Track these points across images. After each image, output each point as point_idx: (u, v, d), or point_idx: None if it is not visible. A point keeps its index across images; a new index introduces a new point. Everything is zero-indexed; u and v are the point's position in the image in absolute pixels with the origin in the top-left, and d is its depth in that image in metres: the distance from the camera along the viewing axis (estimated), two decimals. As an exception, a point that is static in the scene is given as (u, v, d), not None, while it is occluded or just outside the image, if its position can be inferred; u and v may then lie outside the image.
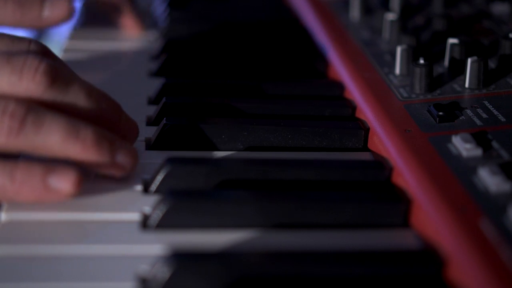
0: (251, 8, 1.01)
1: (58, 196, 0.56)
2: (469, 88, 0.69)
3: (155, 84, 0.76)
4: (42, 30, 0.80)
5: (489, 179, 0.54)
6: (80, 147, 0.56)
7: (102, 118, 0.59)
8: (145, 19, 0.96)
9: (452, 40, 0.73)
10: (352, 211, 0.56)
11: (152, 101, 0.74)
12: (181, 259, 0.49)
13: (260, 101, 0.72)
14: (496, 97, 0.67)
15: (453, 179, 0.55)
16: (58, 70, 0.58)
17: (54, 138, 0.55)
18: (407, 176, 0.58)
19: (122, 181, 0.60)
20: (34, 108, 0.56)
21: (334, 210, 0.56)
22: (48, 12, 0.74)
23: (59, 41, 1.05)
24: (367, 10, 0.89)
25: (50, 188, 0.55)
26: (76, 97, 0.58)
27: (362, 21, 0.87)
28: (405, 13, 0.86)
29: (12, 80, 0.57)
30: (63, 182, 0.55)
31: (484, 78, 0.69)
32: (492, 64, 0.73)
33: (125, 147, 0.58)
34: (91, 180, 0.59)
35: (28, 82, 0.56)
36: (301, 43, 0.89)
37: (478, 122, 0.63)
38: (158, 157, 0.62)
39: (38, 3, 0.75)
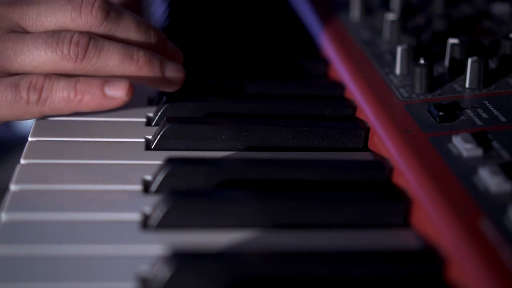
0: (251, 8, 1.01)
1: (114, 102, 0.66)
2: (470, 88, 0.69)
3: (156, 84, 0.76)
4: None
5: (489, 179, 0.54)
6: (135, 67, 0.66)
7: (151, 44, 0.69)
8: (145, 19, 0.96)
9: (452, 40, 0.73)
10: (352, 211, 0.56)
11: (152, 102, 0.74)
12: (181, 259, 0.49)
13: (261, 101, 0.71)
14: (497, 97, 0.67)
15: (454, 179, 0.55)
16: (110, 5, 0.68)
17: (112, 61, 0.66)
18: (407, 176, 0.58)
19: (123, 181, 0.60)
20: (94, 37, 0.66)
21: (335, 210, 0.56)
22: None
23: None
24: (367, 10, 0.89)
25: (107, 96, 0.66)
26: (128, 27, 0.68)
27: (362, 21, 0.87)
28: (406, 13, 0.86)
29: (73, 16, 0.67)
30: (118, 90, 0.66)
31: (485, 78, 0.69)
32: (492, 64, 0.73)
33: (173, 64, 0.68)
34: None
35: (86, 16, 0.67)
36: (301, 43, 0.89)
37: (478, 122, 0.63)
38: (158, 157, 0.62)
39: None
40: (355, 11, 0.89)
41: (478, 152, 0.58)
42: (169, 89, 0.69)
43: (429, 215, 0.54)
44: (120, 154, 0.64)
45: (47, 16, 0.67)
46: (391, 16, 0.81)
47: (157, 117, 0.70)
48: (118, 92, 0.66)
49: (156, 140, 0.65)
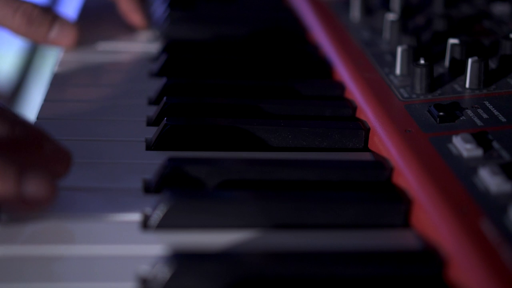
0: (251, 8, 1.01)
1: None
2: (470, 88, 0.69)
3: (156, 84, 0.76)
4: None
5: (489, 179, 0.54)
6: None
7: (15, 145, 0.52)
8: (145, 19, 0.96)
9: (452, 40, 0.73)
10: (352, 211, 0.56)
11: (152, 102, 0.74)
12: (181, 259, 0.49)
13: (261, 101, 0.71)
14: (497, 97, 0.67)
15: (454, 179, 0.55)
16: None
17: None
18: (407, 176, 0.58)
19: (123, 181, 0.60)
20: None
21: (335, 211, 0.56)
22: (54, 35, 0.78)
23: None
24: (367, 10, 0.89)
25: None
26: None
27: (362, 22, 0.87)
28: (406, 13, 0.86)
29: None
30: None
31: (485, 78, 0.69)
32: (492, 64, 0.73)
33: (38, 177, 0.51)
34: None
35: None
36: (301, 43, 0.89)
37: (478, 122, 0.63)
38: (159, 157, 0.62)
39: (47, 25, 0.78)
40: (355, 11, 0.89)
41: (478, 152, 0.58)
42: (25, 210, 0.52)
43: (429, 215, 0.54)
44: (120, 154, 0.64)
45: None
46: (391, 16, 0.81)
47: (157, 117, 0.70)
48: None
49: (157, 140, 0.65)
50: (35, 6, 0.81)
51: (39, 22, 0.79)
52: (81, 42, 0.88)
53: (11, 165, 0.50)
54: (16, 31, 0.80)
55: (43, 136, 0.54)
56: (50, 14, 0.81)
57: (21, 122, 0.53)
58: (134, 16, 0.92)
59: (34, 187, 0.50)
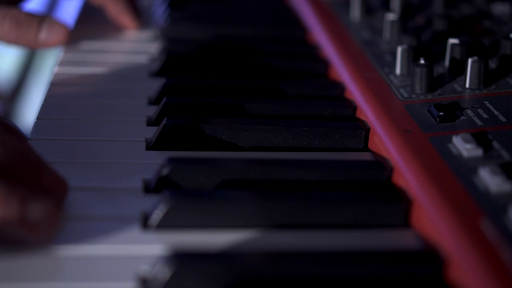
0: (251, 8, 1.01)
1: None
2: (470, 88, 0.69)
3: (156, 84, 0.76)
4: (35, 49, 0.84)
5: (489, 179, 0.54)
6: None
7: (17, 170, 0.52)
8: (145, 19, 0.96)
9: (452, 40, 0.73)
10: (352, 211, 0.56)
11: (152, 102, 0.74)
12: (181, 259, 0.49)
13: (261, 101, 0.71)
14: (497, 97, 0.67)
15: (454, 179, 0.55)
16: None
17: None
18: (407, 176, 0.58)
19: (123, 181, 0.60)
20: None
21: (335, 210, 0.56)
22: (44, 36, 0.79)
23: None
24: (367, 10, 0.89)
25: None
26: None
27: (362, 21, 0.87)
28: (406, 13, 0.86)
29: None
30: None
31: (485, 78, 0.69)
32: (492, 64, 0.73)
33: (41, 204, 0.50)
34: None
35: None
36: (301, 42, 0.89)
37: (478, 122, 0.63)
38: (159, 157, 0.62)
39: (35, 26, 0.80)
40: (355, 11, 0.89)
41: (478, 152, 0.58)
42: (28, 236, 0.51)
43: (429, 215, 0.54)
44: (120, 153, 0.64)
45: None
46: (391, 16, 0.81)
47: (157, 117, 0.70)
48: None
49: (156, 140, 0.65)
50: (21, 11, 0.82)
51: (28, 25, 0.80)
52: (81, 41, 0.88)
53: (15, 190, 0.50)
54: (7, 37, 0.81)
55: (42, 163, 0.54)
56: (37, 16, 0.82)
57: (21, 149, 0.53)
58: (123, 18, 0.92)
59: (37, 212, 0.50)
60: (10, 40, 0.81)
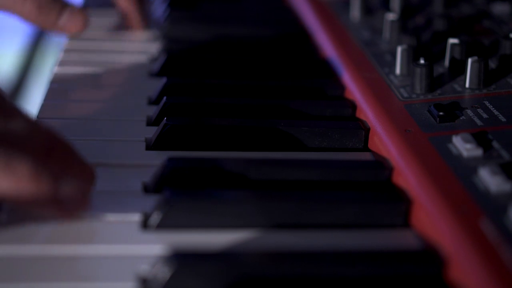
0: (251, 8, 1.01)
1: None
2: (470, 88, 0.69)
3: (156, 84, 0.76)
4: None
5: (489, 179, 0.54)
6: (13, 180, 0.49)
7: (49, 153, 0.53)
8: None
9: (452, 40, 0.73)
10: (352, 211, 0.56)
11: (152, 101, 0.74)
12: (181, 259, 0.49)
13: (260, 101, 0.71)
14: (497, 97, 0.67)
15: (454, 179, 0.55)
16: None
17: None
18: (407, 176, 0.58)
19: (123, 181, 0.60)
20: None
21: (335, 210, 0.56)
22: (64, 21, 0.80)
23: (59, 40, 1.05)
24: (367, 10, 0.89)
25: None
26: (19, 131, 0.52)
27: (362, 21, 0.87)
28: (406, 13, 0.86)
29: None
30: None
31: (485, 78, 0.69)
32: (492, 64, 0.73)
33: (73, 183, 0.52)
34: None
35: None
36: (301, 43, 0.89)
37: (478, 122, 0.63)
38: (158, 157, 0.62)
39: (57, 11, 0.81)
40: (355, 11, 0.89)
41: (478, 152, 0.58)
42: (60, 215, 0.53)
43: (429, 215, 0.54)
44: (120, 153, 0.64)
45: None
46: (391, 16, 0.81)
47: (157, 117, 0.70)
48: None
49: (156, 140, 0.65)
50: None
51: (49, 9, 0.81)
52: (81, 41, 0.88)
53: (47, 168, 0.51)
54: (26, 17, 0.81)
55: (73, 150, 0.55)
56: (59, 1, 0.82)
57: (53, 135, 0.54)
58: (132, 18, 0.92)
59: (69, 191, 0.51)
60: (29, 19, 0.82)
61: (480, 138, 0.59)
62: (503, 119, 0.63)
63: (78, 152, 0.55)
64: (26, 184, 0.49)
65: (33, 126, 0.52)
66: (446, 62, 0.74)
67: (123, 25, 0.94)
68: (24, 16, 0.81)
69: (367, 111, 0.69)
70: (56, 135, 0.54)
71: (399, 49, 0.73)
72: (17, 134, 0.51)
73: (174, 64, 0.80)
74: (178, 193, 0.56)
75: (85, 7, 1.00)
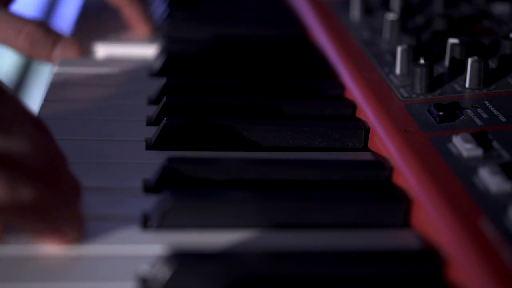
0: (251, 8, 1.01)
1: None
2: (470, 88, 0.69)
3: (156, 84, 0.76)
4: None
5: (489, 179, 0.54)
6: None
7: (43, 172, 0.51)
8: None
9: (452, 40, 0.73)
10: (352, 211, 0.56)
11: (152, 101, 0.74)
12: (181, 259, 0.49)
13: (260, 101, 0.71)
14: (497, 97, 0.67)
15: (454, 179, 0.55)
16: None
17: None
18: (407, 176, 0.58)
19: (123, 181, 0.60)
20: None
21: (335, 210, 0.56)
22: (57, 54, 0.83)
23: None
24: (367, 10, 0.89)
25: None
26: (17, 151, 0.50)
27: (362, 21, 0.87)
28: (406, 13, 0.86)
29: None
30: None
31: (485, 78, 0.69)
32: (492, 64, 0.73)
33: (56, 193, 0.51)
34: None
35: None
36: (301, 43, 0.89)
37: (478, 122, 0.63)
38: (158, 157, 0.62)
39: (50, 45, 0.83)
40: (355, 11, 0.89)
41: (478, 152, 0.58)
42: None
43: (429, 215, 0.54)
44: (120, 153, 0.64)
45: None
46: (391, 16, 0.81)
47: (157, 117, 0.70)
48: None
49: (156, 140, 0.65)
50: (38, 27, 0.82)
51: (43, 43, 0.82)
52: (81, 41, 0.88)
53: (45, 196, 0.50)
54: (20, 51, 0.82)
55: (64, 164, 0.54)
56: (52, 34, 0.83)
57: (49, 148, 0.53)
58: (138, 23, 0.92)
59: (66, 223, 0.52)
60: (23, 53, 0.83)
61: (480, 138, 0.59)
62: (503, 119, 0.63)
63: (68, 165, 0.54)
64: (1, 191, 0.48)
65: (31, 142, 0.51)
66: (446, 62, 0.74)
67: (125, 25, 0.93)
68: (18, 49, 0.82)
69: (367, 111, 0.69)
70: (51, 147, 0.53)
71: (399, 49, 0.73)
72: (15, 155, 0.50)
73: (174, 64, 0.80)
74: (178, 193, 0.56)
75: (84, 9, 1.00)
